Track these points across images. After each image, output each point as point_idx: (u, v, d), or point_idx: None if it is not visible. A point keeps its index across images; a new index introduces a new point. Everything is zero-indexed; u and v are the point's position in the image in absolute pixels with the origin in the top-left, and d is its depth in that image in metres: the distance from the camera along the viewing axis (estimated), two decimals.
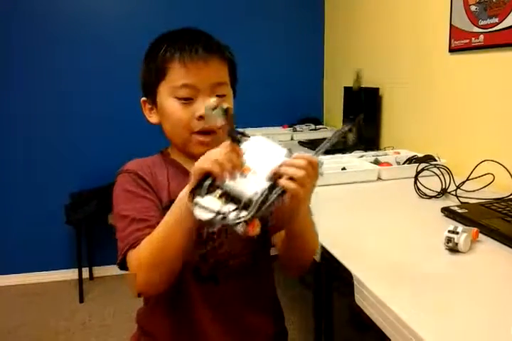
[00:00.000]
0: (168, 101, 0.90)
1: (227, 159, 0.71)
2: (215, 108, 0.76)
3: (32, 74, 2.73)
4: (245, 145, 0.74)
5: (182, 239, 0.79)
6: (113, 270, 2.91)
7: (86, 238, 2.84)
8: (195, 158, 0.93)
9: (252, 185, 0.69)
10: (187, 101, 0.89)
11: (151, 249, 0.80)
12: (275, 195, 0.69)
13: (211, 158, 0.71)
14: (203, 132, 0.90)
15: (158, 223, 0.84)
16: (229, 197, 0.69)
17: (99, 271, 2.93)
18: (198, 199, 0.69)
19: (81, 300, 2.63)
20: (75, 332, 2.33)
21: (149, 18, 2.79)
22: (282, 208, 0.74)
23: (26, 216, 2.83)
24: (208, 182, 0.70)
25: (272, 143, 0.75)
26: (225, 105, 0.77)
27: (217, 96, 0.90)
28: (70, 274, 2.84)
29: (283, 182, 0.70)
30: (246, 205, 0.68)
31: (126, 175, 0.92)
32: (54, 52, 2.74)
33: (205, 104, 0.78)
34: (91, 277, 2.92)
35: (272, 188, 0.69)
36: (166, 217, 0.80)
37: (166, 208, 0.90)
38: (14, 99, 2.74)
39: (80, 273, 2.67)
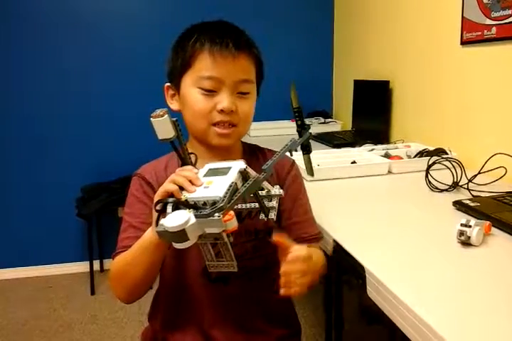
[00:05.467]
0: (192, 91, 0.90)
1: (182, 176, 0.73)
2: (161, 117, 0.75)
3: (41, 71, 2.73)
4: (203, 168, 0.76)
5: (145, 266, 0.84)
6: None
7: (97, 231, 2.86)
8: (213, 148, 0.95)
9: (216, 190, 0.68)
10: (210, 92, 0.89)
11: (119, 266, 0.88)
12: (244, 188, 0.69)
13: (168, 181, 0.74)
14: (223, 124, 0.91)
15: None
16: (197, 206, 0.67)
17: (110, 263, 2.95)
18: (163, 220, 0.66)
19: (92, 293, 2.66)
20: (87, 324, 2.36)
21: (156, 16, 2.79)
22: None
23: (37, 209, 2.85)
24: (170, 203, 0.68)
25: (224, 162, 0.76)
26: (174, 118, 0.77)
27: (239, 93, 0.91)
28: (81, 267, 2.87)
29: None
30: (215, 202, 0.66)
31: (136, 179, 0.96)
32: (61, 50, 2.74)
33: (153, 113, 0.76)
34: (101, 269, 2.94)
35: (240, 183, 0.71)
36: (135, 244, 0.84)
37: None
38: (27, 94, 2.75)
39: (91, 266, 2.69)
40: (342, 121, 2.86)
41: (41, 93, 2.76)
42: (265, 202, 0.75)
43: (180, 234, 0.63)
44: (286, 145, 0.80)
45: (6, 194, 2.82)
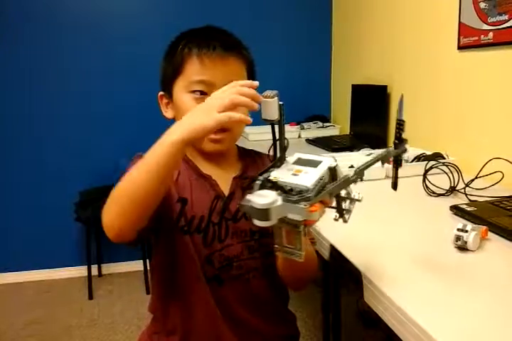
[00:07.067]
0: (184, 97, 0.91)
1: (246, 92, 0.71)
2: (271, 98, 0.73)
3: (42, 73, 2.74)
4: (293, 156, 0.75)
5: (152, 182, 0.75)
6: (121, 267, 2.95)
7: (95, 235, 2.86)
8: (208, 154, 0.94)
9: (305, 179, 0.68)
10: (202, 95, 0.89)
11: (125, 180, 0.79)
12: (333, 185, 0.70)
13: (231, 93, 0.71)
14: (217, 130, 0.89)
15: None
16: (284, 190, 0.67)
17: (108, 268, 2.96)
18: (250, 196, 0.65)
19: (90, 297, 2.65)
20: (85, 328, 2.35)
21: (158, 17, 2.80)
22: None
23: (36, 213, 2.85)
24: (259, 181, 0.68)
25: (314, 155, 0.76)
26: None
27: None
28: (79, 271, 2.86)
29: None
30: (301, 191, 0.66)
31: (140, 158, 0.90)
32: (62, 51, 2.75)
33: (264, 93, 0.75)
34: (99, 274, 2.94)
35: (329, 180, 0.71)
36: (147, 156, 0.77)
37: (178, 201, 0.92)
38: (28, 97, 2.75)
39: (89, 270, 2.69)
40: (340, 125, 2.86)
41: (41, 95, 2.76)
42: (342, 204, 0.76)
43: (264, 213, 0.64)
44: (381, 154, 0.80)
45: (3, 197, 2.82)
